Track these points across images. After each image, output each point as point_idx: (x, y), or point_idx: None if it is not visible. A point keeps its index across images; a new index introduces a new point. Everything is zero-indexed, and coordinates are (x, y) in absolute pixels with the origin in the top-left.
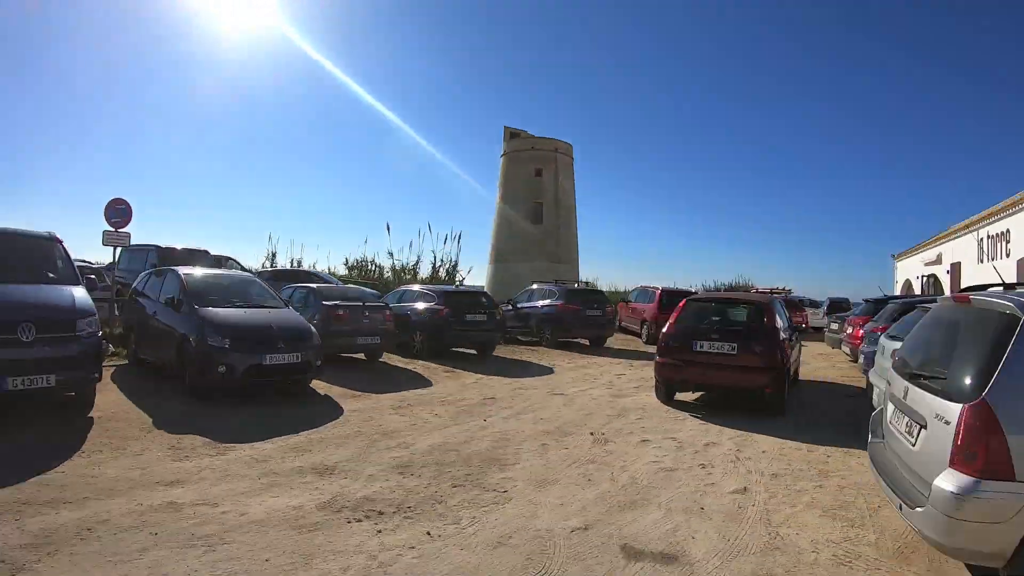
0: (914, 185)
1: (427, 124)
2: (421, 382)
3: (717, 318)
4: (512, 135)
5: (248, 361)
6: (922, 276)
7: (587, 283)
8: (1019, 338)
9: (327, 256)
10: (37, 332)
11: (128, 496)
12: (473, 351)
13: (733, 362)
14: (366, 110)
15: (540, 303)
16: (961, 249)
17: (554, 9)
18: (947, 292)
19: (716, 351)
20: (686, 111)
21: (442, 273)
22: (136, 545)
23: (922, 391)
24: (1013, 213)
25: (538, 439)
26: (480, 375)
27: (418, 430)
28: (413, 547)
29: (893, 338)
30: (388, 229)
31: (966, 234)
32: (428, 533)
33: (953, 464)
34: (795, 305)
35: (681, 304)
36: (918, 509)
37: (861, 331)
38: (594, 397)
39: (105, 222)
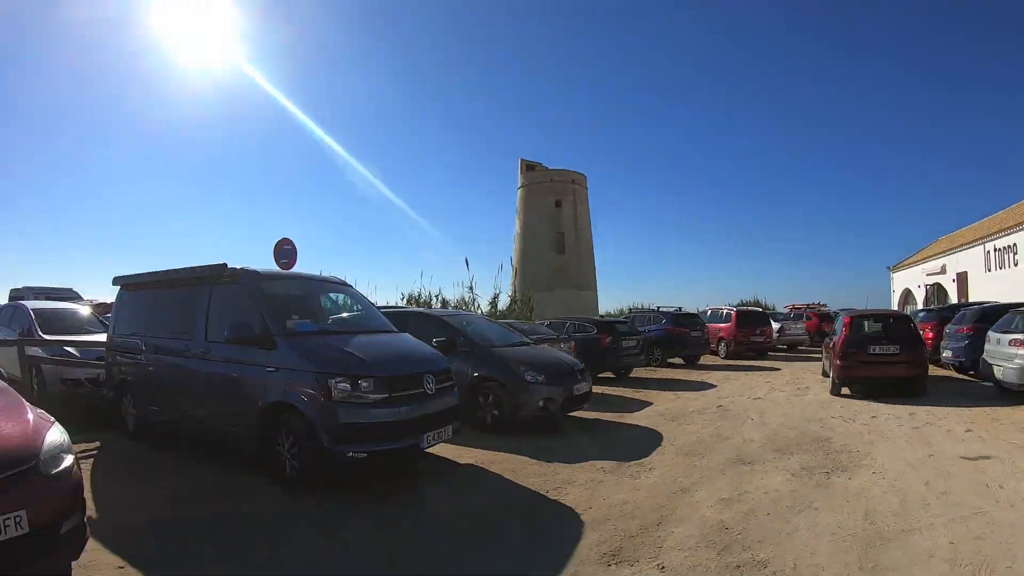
0: (902, 199)
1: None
2: (634, 403)
3: (876, 328)
4: (528, 167)
5: (565, 393)
6: (925, 285)
7: (680, 308)
8: None
9: (374, 290)
10: (436, 382)
11: None
12: (611, 375)
13: (896, 359)
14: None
15: (646, 327)
16: (967, 260)
17: (541, 32)
18: (953, 300)
19: (884, 352)
20: (672, 128)
21: (523, 303)
22: None
23: None
24: (1019, 230)
25: (825, 424)
26: (668, 392)
27: (737, 434)
28: None
29: (1004, 331)
30: (467, 264)
31: (973, 247)
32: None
33: None
34: (829, 317)
35: (847, 320)
36: None
37: (932, 334)
38: (788, 397)
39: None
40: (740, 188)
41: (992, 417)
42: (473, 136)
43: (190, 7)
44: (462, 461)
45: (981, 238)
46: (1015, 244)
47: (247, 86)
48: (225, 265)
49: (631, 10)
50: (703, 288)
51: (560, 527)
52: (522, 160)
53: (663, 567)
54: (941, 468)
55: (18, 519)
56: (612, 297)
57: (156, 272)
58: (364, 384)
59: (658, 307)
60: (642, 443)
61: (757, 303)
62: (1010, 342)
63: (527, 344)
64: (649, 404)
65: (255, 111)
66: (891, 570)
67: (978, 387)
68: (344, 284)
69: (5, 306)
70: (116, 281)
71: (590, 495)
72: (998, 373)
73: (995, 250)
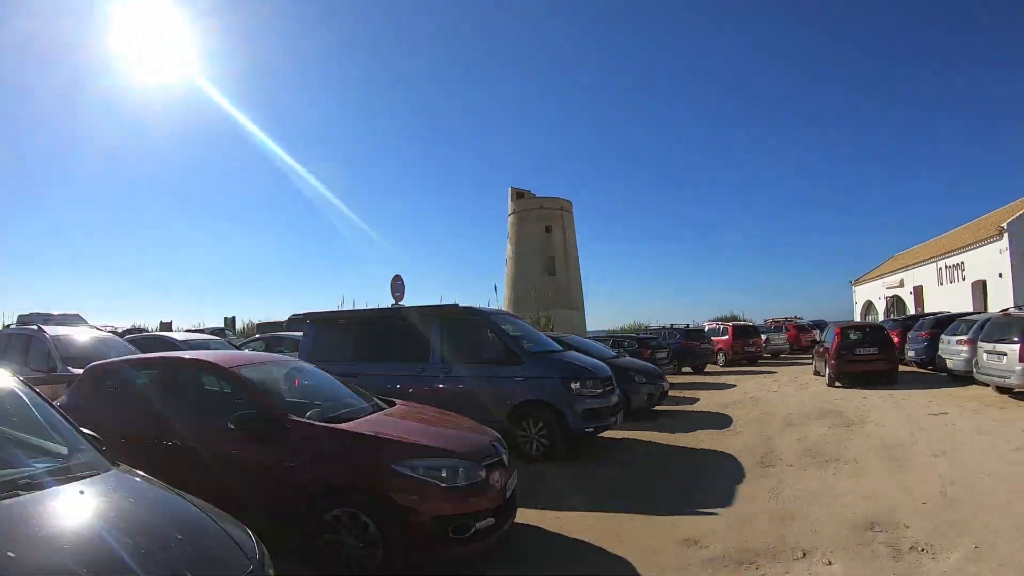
0: (863, 215)
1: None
2: (684, 400)
3: (860, 335)
4: (518, 195)
5: (659, 389)
6: (885, 297)
7: (689, 325)
8: None
9: None
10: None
11: None
12: None
13: (875, 358)
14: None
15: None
16: (922, 276)
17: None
18: (911, 311)
19: (867, 353)
20: (632, 145)
21: (543, 322)
22: None
23: (1003, 344)
24: (966, 250)
25: (832, 404)
26: (702, 391)
27: (778, 412)
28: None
29: (953, 334)
30: (496, 289)
31: (926, 264)
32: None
33: (1020, 361)
34: (805, 328)
35: (837, 331)
36: (1008, 380)
37: (898, 338)
38: (796, 390)
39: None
40: (710, 206)
41: (946, 394)
42: (460, 163)
43: (146, 27)
44: (618, 437)
45: (933, 257)
46: (962, 262)
47: (239, 126)
48: (457, 305)
49: (620, 11)
50: (675, 304)
51: (722, 457)
52: (512, 188)
53: (791, 465)
54: (917, 420)
55: (510, 482)
56: (590, 315)
57: (364, 310)
58: (590, 383)
59: (671, 325)
60: (720, 420)
61: (735, 317)
62: (957, 342)
63: (617, 356)
64: (697, 400)
65: (226, 134)
66: (904, 459)
67: (935, 377)
68: (515, 316)
69: (143, 336)
70: (308, 316)
71: (719, 444)
72: (949, 364)
73: (946, 267)
